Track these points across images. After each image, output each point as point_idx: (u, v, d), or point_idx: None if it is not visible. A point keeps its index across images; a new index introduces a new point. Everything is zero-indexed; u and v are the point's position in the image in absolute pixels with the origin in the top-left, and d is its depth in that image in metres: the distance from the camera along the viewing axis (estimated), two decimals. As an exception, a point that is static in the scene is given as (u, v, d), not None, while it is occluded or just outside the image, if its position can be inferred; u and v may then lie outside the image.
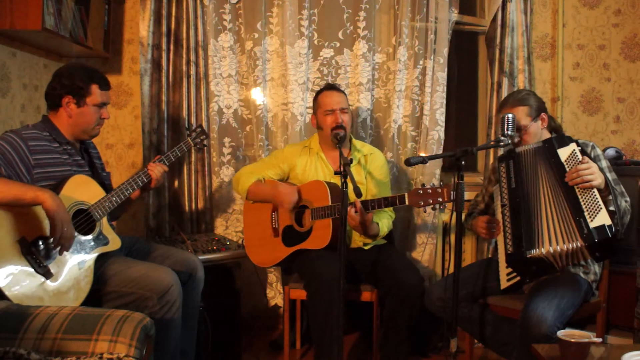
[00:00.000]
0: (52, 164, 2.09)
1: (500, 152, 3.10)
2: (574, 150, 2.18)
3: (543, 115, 2.40)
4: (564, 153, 2.20)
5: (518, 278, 2.23)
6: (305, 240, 2.64)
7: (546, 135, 2.43)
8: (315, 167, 2.78)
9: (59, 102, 2.15)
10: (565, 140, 2.22)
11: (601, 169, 2.18)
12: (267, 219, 2.77)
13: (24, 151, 2.00)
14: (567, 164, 2.16)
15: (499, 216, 2.37)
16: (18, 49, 2.60)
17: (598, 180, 2.08)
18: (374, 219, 2.59)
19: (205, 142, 2.67)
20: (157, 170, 2.37)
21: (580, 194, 2.10)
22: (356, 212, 2.43)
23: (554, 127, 2.49)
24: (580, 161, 2.13)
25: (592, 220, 2.06)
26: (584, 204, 2.09)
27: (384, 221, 2.69)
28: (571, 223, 2.12)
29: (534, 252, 2.13)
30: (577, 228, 2.09)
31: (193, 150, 3.04)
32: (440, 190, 2.29)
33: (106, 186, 2.28)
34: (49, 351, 1.59)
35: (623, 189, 2.29)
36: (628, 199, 2.27)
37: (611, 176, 2.29)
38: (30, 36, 2.51)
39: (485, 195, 2.66)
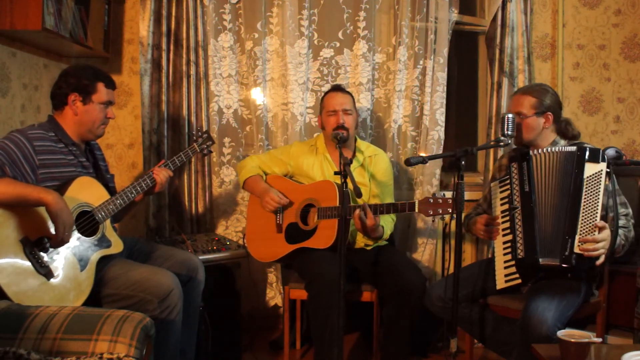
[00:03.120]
0: (57, 164, 2.09)
1: (501, 152, 3.11)
2: (601, 170, 2.10)
3: (549, 114, 2.34)
4: (590, 169, 2.12)
5: (519, 281, 2.22)
6: (309, 239, 2.64)
7: (550, 136, 2.39)
8: (321, 167, 2.79)
9: (65, 101, 2.15)
10: (597, 156, 2.12)
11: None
12: (272, 214, 2.77)
13: (29, 151, 2.00)
14: (587, 181, 2.11)
15: (498, 214, 2.36)
16: (18, 49, 2.60)
17: (600, 251, 2.06)
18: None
19: (211, 148, 2.68)
20: (162, 175, 2.37)
21: (583, 216, 2.09)
22: (366, 216, 2.44)
23: (567, 133, 2.41)
24: (597, 192, 2.07)
25: (580, 245, 2.07)
26: (581, 226, 2.09)
27: (388, 224, 2.70)
28: (558, 239, 2.13)
29: (547, 261, 2.13)
30: (561, 246, 2.11)
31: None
32: (450, 201, 2.30)
33: (110, 188, 2.28)
34: (49, 351, 1.59)
35: (628, 210, 2.23)
36: (631, 213, 2.23)
37: (620, 200, 2.22)
38: (30, 36, 2.51)
39: (488, 195, 2.65)
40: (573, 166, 2.15)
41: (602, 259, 2.09)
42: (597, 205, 2.09)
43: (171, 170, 2.43)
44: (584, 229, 2.09)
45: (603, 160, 2.11)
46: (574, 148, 2.19)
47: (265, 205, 2.71)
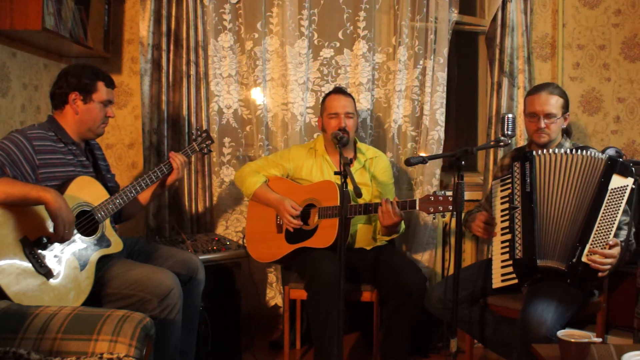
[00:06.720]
0: (57, 164, 2.09)
1: (501, 152, 3.11)
2: (627, 186, 2.06)
3: (567, 115, 2.39)
4: (616, 181, 2.07)
5: (515, 281, 2.22)
6: (309, 239, 2.64)
7: (559, 136, 2.40)
8: (320, 169, 2.79)
9: (66, 100, 2.16)
10: (627, 170, 2.08)
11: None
12: (272, 214, 2.77)
13: (29, 151, 2.00)
14: (610, 193, 2.07)
15: (498, 216, 2.36)
16: (18, 49, 2.60)
17: (607, 267, 2.04)
18: None
19: (211, 147, 2.68)
20: (177, 159, 2.42)
21: (598, 227, 2.06)
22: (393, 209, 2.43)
23: (567, 131, 2.47)
24: (618, 206, 2.04)
25: (588, 255, 2.06)
26: (595, 236, 2.06)
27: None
28: (566, 244, 2.12)
29: (546, 262, 2.13)
30: (570, 252, 2.10)
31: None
32: (450, 199, 2.29)
33: (110, 188, 2.28)
34: (49, 351, 1.59)
35: (628, 218, 2.19)
36: (632, 223, 2.21)
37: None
38: (30, 36, 2.51)
39: (489, 194, 2.64)
40: (598, 174, 2.11)
41: (605, 273, 2.07)
42: (615, 220, 2.05)
43: (187, 156, 2.49)
44: (596, 240, 2.06)
45: (631, 176, 2.07)
46: (601, 155, 2.14)
47: (282, 218, 2.70)
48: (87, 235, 2.08)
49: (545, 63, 3.39)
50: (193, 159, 3.08)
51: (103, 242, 2.13)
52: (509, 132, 2.23)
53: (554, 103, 2.34)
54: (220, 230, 3.21)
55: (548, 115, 2.33)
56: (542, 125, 2.34)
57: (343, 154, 2.31)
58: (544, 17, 3.37)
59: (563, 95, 2.38)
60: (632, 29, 3.30)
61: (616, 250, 2.05)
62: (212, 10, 3.06)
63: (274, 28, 3.13)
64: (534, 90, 2.42)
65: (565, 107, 2.37)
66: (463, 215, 2.33)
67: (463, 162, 2.10)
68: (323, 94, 2.94)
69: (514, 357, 2.23)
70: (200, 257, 2.47)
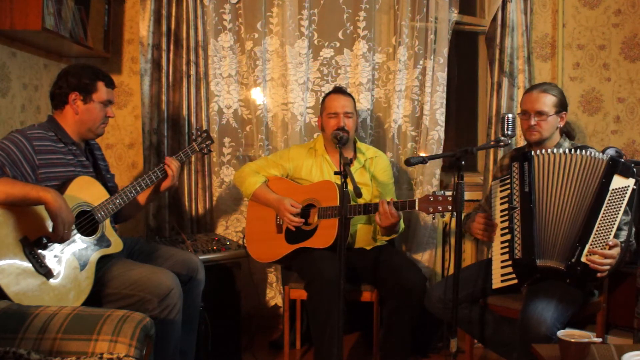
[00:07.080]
0: (57, 164, 2.09)
1: (501, 152, 3.11)
2: (628, 187, 2.06)
3: (563, 114, 2.38)
4: (617, 182, 2.06)
5: (515, 281, 2.22)
6: (309, 239, 2.64)
7: (557, 136, 2.40)
8: (320, 169, 2.79)
9: (66, 100, 2.16)
10: (628, 171, 2.07)
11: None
12: (271, 214, 2.77)
13: (28, 151, 2.01)
14: (611, 194, 2.07)
15: (497, 216, 2.36)
16: (18, 49, 2.60)
17: (606, 267, 2.04)
18: None
19: (211, 147, 2.68)
20: (173, 165, 2.39)
21: (598, 227, 2.06)
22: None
23: (570, 133, 2.47)
24: (618, 207, 2.04)
25: (588, 255, 2.06)
26: (595, 236, 2.06)
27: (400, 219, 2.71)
28: (565, 244, 2.12)
29: (545, 262, 2.13)
30: (569, 252, 2.10)
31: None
32: (450, 199, 2.30)
33: (109, 188, 2.28)
34: (49, 351, 1.59)
35: (628, 217, 2.17)
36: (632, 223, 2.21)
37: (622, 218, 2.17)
38: (30, 36, 2.51)
39: (489, 195, 2.64)
40: (599, 174, 2.11)
41: (605, 273, 2.07)
42: (615, 220, 2.05)
43: (181, 162, 2.46)
44: (596, 241, 2.06)
45: (632, 177, 2.07)
46: (601, 155, 2.14)
47: (282, 217, 2.70)
48: (87, 235, 2.08)
49: (545, 63, 3.39)
50: (193, 159, 3.08)
51: (103, 242, 2.13)
52: (509, 132, 2.23)
53: (545, 101, 2.34)
54: (220, 230, 3.21)
55: (539, 113, 2.34)
56: (533, 122, 2.34)
57: (343, 153, 2.31)
58: (544, 17, 3.37)
59: (558, 94, 2.38)
60: (632, 29, 3.30)
61: (616, 251, 2.05)
62: (212, 10, 3.07)
63: (274, 28, 3.13)
64: (528, 90, 2.45)
65: (560, 106, 2.36)
66: (463, 216, 2.33)
67: (463, 162, 2.09)
68: (323, 94, 2.93)
69: (514, 357, 2.24)
70: (200, 257, 2.47)
